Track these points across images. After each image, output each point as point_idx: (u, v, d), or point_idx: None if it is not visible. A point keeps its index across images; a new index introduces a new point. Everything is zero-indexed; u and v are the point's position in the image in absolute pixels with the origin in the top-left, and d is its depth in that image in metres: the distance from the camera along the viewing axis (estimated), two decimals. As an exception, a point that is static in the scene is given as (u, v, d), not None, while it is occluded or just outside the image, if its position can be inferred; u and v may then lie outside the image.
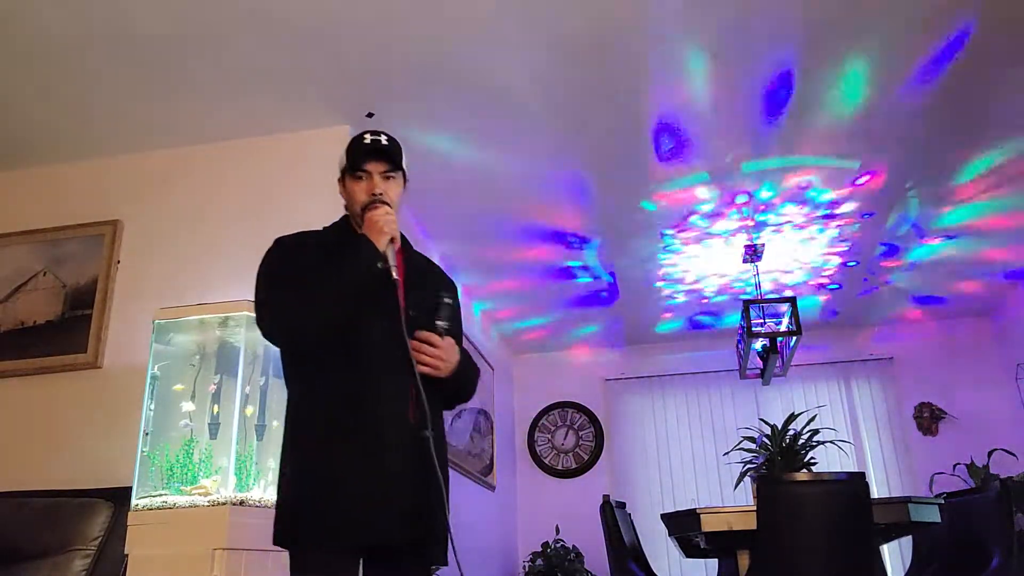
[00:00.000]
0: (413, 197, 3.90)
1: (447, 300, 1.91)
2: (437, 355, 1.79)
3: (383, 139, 1.91)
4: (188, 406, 2.48)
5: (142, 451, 2.45)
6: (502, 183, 3.84)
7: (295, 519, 1.67)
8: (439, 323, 1.83)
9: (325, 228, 1.97)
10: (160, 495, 2.37)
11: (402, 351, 1.73)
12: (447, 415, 4.60)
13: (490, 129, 3.39)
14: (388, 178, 1.91)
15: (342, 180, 1.96)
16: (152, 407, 2.51)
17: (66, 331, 3.22)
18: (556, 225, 4.32)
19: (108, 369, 3.16)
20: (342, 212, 2.01)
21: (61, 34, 2.76)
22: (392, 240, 1.80)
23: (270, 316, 1.78)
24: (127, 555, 2.28)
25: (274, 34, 2.78)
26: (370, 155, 1.89)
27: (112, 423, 2.99)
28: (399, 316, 1.75)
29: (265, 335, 1.80)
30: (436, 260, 4.57)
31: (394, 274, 1.75)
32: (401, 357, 1.73)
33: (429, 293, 1.87)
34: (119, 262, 3.31)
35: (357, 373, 1.74)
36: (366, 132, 1.93)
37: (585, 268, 4.89)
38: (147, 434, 2.48)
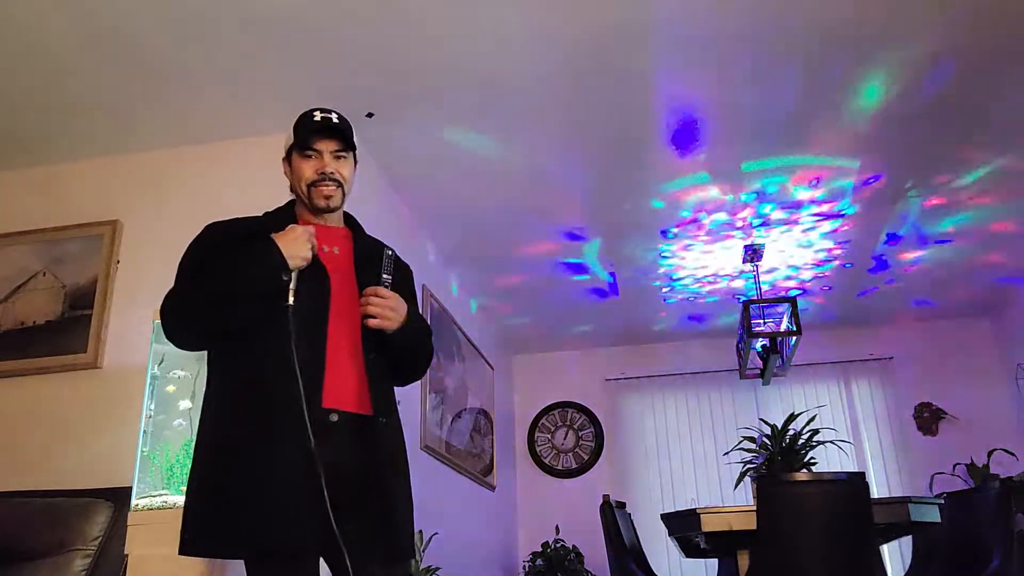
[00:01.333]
0: (411, 192, 3.92)
1: (388, 252, 1.86)
2: (385, 304, 1.71)
3: (334, 117, 1.82)
4: (185, 404, 2.48)
5: (142, 451, 2.45)
6: (502, 182, 3.85)
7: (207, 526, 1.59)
8: (384, 276, 1.79)
9: (266, 213, 1.89)
10: (160, 495, 2.37)
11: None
12: (447, 416, 4.58)
13: (491, 127, 3.39)
14: (339, 157, 1.83)
15: (287, 159, 1.88)
16: (152, 407, 2.51)
17: (66, 331, 3.22)
18: (557, 223, 4.32)
19: (108, 369, 3.16)
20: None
21: (61, 34, 2.76)
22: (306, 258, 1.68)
23: (164, 314, 1.71)
24: (127, 555, 2.28)
25: (274, 34, 2.78)
26: (321, 133, 1.81)
27: (112, 423, 2.99)
28: (327, 303, 1.70)
29: (167, 332, 1.72)
30: (431, 256, 4.59)
31: (290, 298, 1.63)
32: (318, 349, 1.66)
33: (375, 278, 1.79)
34: (119, 262, 3.31)
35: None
36: (315, 109, 1.85)
37: (585, 267, 4.89)
38: (147, 434, 2.48)
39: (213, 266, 1.70)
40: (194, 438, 1.72)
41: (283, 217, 1.84)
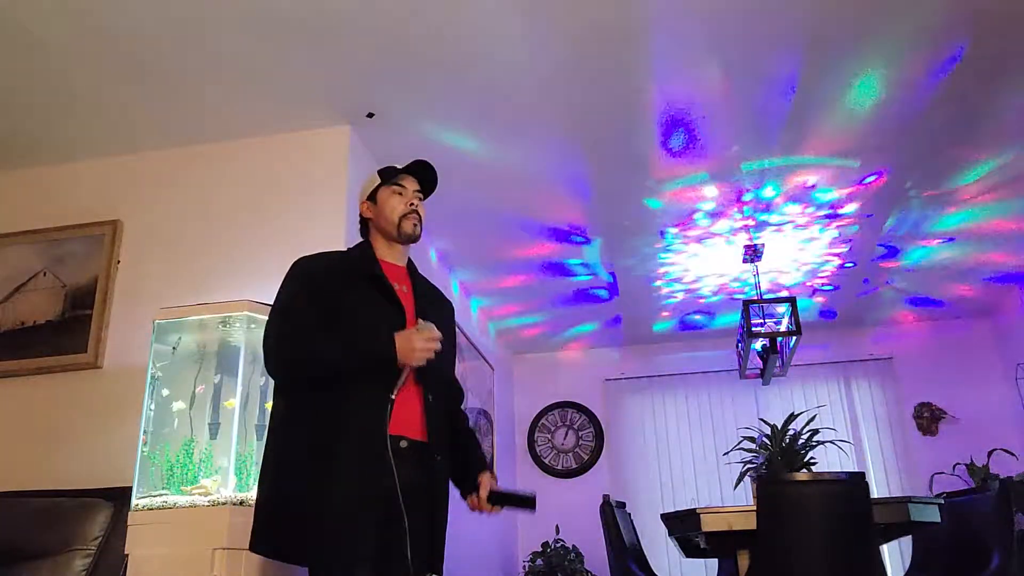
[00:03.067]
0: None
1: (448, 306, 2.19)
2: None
3: (426, 161, 2.10)
4: (179, 405, 2.48)
5: (142, 451, 2.45)
6: (503, 181, 3.85)
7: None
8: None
9: (348, 250, 2.09)
10: (160, 495, 2.37)
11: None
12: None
13: (491, 127, 3.39)
14: (419, 198, 2.08)
15: (370, 199, 2.08)
16: (152, 407, 2.51)
17: (66, 331, 3.22)
18: (557, 223, 4.32)
19: (108, 369, 3.16)
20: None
21: (61, 34, 2.76)
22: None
23: (278, 353, 1.88)
24: (127, 555, 2.27)
25: (274, 34, 2.78)
26: (407, 171, 2.08)
27: (112, 423, 2.99)
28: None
29: (269, 368, 1.90)
30: (434, 257, 4.59)
31: (393, 395, 1.83)
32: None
33: (438, 324, 1.96)
34: (119, 262, 3.31)
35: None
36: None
37: (585, 267, 4.89)
38: (147, 434, 2.48)
39: (326, 311, 1.88)
40: (263, 448, 1.91)
41: (364, 255, 2.05)
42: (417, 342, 1.84)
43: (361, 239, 2.13)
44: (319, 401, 1.83)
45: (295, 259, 2.02)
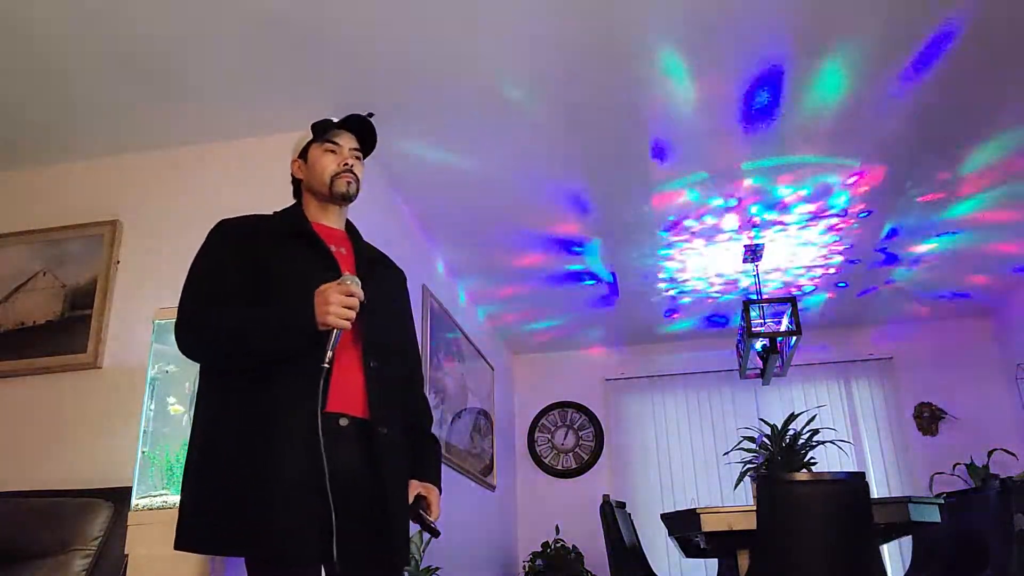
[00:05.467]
0: (410, 192, 3.92)
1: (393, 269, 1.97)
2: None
3: (363, 116, 1.90)
4: (178, 406, 2.48)
5: (142, 451, 2.45)
6: (502, 181, 3.84)
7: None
8: None
9: (275, 213, 1.90)
10: (160, 495, 2.37)
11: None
12: (447, 416, 4.59)
13: (491, 127, 3.39)
14: (356, 156, 1.89)
15: (301, 157, 1.91)
16: (152, 407, 2.51)
17: (66, 331, 3.22)
18: (556, 222, 4.32)
19: (108, 369, 3.16)
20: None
21: (61, 34, 2.76)
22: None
23: (189, 332, 1.68)
24: (127, 555, 2.27)
25: (274, 34, 2.78)
26: (342, 127, 1.88)
27: (112, 423, 2.98)
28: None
29: (182, 348, 1.70)
30: (431, 257, 4.60)
31: (326, 362, 1.58)
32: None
33: (380, 286, 1.82)
34: (119, 262, 3.31)
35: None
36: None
37: (585, 267, 4.89)
38: (147, 434, 2.48)
39: (244, 315, 1.65)
40: (188, 435, 1.70)
41: (293, 216, 1.86)
42: (332, 296, 1.58)
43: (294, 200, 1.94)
44: (245, 379, 1.62)
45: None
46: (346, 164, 1.84)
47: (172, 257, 3.28)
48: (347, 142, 1.87)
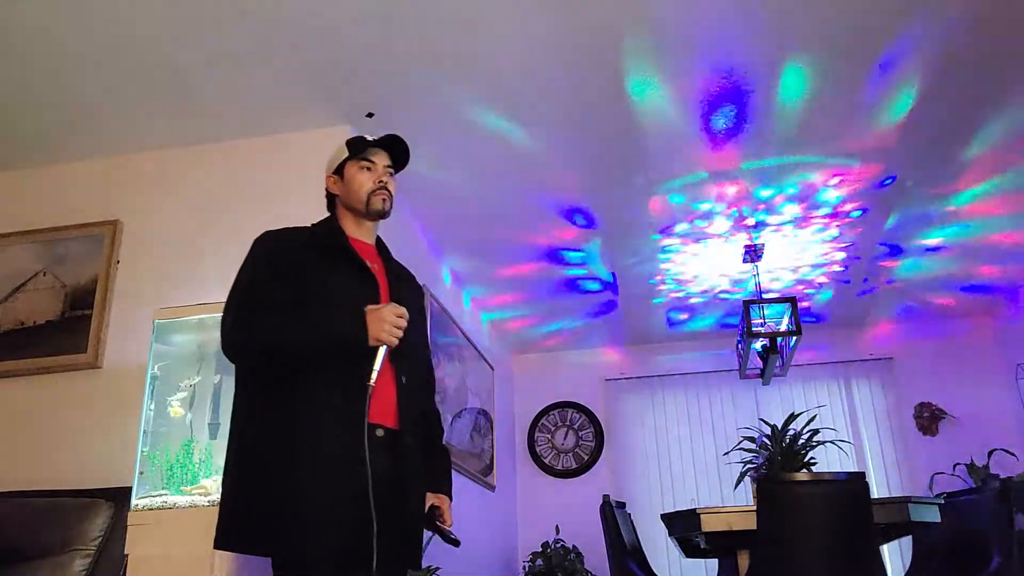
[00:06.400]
0: (409, 192, 3.92)
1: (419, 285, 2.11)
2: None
3: (397, 135, 1.98)
4: (178, 406, 2.49)
5: (142, 451, 2.45)
6: (501, 181, 3.84)
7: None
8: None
9: (314, 226, 1.98)
10: (160, 495, 2.37)
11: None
12: (447, 415, 4.59)
13: (492, 126, 3.39)
14: (389, 174, 1.97)
15: (337, 173, 1.98)
16: (152, 407, 2.51)
17: (66, 331, 3.22)
18: (556, 224, 4.32)
19: (108, 369, 3.16)
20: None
21: (61, 35, 2.76)
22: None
23: (241, 331, 1.76)
24: (127, 555, 2.28)
25: (274, 34, 2.78)
26: (381, 145, 1.96)
27: (112, 423, 2.99)
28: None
29: (228, 347, 1.77)
30: (431, 256, 4.61)
31: (371, 381, 1.69)
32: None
33: (408, 303, 1.87)
34: (119, 262, 3.31)
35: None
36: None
37: (585, 267, 4.89)
38: (147, 434, 2.48)
39: (295, 321, 1.74)
40: (227, 436, 1.78)
41: (331, 230, 1.94)
42: (388, 316, 1.71)
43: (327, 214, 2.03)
44: (289, 389, 1.70)
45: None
46: (381, 182, 1.92)
47: (172, 257, 3.29)
48: (381, 160, 1.96)
